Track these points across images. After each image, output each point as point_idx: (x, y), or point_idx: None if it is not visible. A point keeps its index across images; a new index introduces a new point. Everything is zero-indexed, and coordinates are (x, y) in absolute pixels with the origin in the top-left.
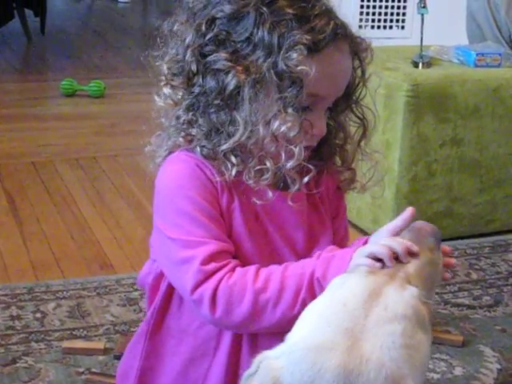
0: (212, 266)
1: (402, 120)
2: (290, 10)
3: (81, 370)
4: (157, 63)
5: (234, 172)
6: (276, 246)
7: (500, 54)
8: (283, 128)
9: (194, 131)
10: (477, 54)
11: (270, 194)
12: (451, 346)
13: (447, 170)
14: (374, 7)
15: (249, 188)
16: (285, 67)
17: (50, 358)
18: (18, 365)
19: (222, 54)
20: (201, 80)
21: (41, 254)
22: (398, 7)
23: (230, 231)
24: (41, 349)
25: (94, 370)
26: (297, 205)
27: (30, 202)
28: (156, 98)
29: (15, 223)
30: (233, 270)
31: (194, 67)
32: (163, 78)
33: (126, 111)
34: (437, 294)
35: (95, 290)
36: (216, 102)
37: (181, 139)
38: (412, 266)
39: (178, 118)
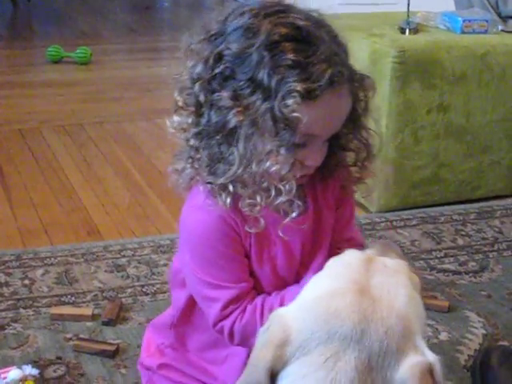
0: (229, 309)
1: (389, 86)
2: (290, 56)
3: (69, 335)
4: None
5: (228, 201)
6: (281, 266)
7: (487, 21)
8: (274, 167)
9: (197, 158)
10: (464, 21)
11: (262, 222)
12: (437, 311)
13: (434, 137)
14: None
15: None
16: (279, 113)
17: (39, 325)
18: (6, 331)
19: (225, 93)
20: (207, 112)
21: (28, 221)
22: None
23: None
24: (29, 315)
25: (82, 335)
26: (304, 226)
27: (18, 169)
28: (168, 123)
29: (2, 190)
30: (244, 309)
31: (201, 98)
32: (174, 105)
33: (112, 78)
34: (423, 259)
35: (83, 257)
36: (217, 136)
37: (188, 167)
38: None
39: (187, 140)
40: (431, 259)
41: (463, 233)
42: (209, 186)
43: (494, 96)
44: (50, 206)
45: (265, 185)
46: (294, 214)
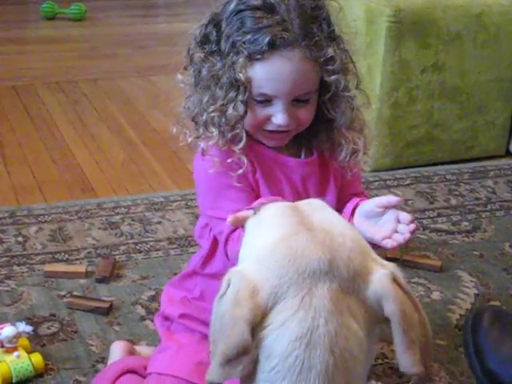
0: (230, 240)
1: (384, 45)
2: (247, 23)
3: (62, 293)
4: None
5: (190, 139)
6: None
7: None
8: (216, 116)
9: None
10: None
11: (245, 161)
12: (429, 270)
13: (428, 96)
14: None
15: (265, 157)
16: (228, 72)
17: (32, 282)
18: (0, 288)
19: (200, 54)
20: (192, 69)
21: (22, 178)
22: None
23: (258, 194)
24: (23, 272)
25: (75, 293)
26: (309, 169)
27: (12, 126)
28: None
29: None
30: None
31: (194, 57)
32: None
33: (106, 34)
34: (416, 219)
35: (76, 214)
36: (193, 87)
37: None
38: None
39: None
40: (424, 219)
41: (456, 193)
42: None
43: (488, 56)
44: (43, 163)
45: (211, 132)
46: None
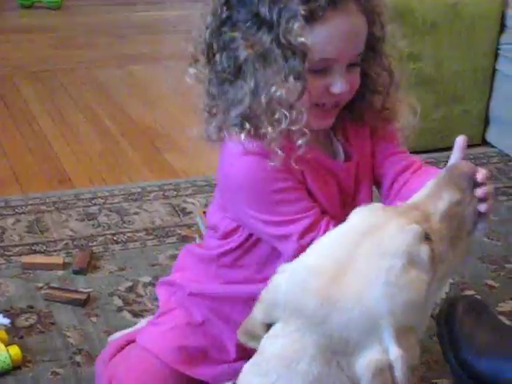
0: (308, 238)
1: None
2: None
3: (40, 284)
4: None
5: (243, 136)
6: (337, 200)
7: None
8: (283, 95)
9: (215, 104)
10: None
11: (280, 153)
12: None
13: (404, 86)
14: None
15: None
16: (284, 40)
17: (10, 274)
18: None
19: (234, 34)
20: (219, 57)
21: None
22: None
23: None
24: (0, 264)
25: (53, 284)
26: (347, 173)
27: None
28: (187, 78)
29: None
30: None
31: (214, 46)
32: (190, 58)
33: (84, 23)
34: None
35: (54, 205)
36: (229, 76)
37: (207, 116)
38: (433, 206)
39: (207, 91)
40: None
41: None
42: (236, 129)
43: (464, 45)
44: (21, 154)
45: (277, 115)
46: (300, 141)
